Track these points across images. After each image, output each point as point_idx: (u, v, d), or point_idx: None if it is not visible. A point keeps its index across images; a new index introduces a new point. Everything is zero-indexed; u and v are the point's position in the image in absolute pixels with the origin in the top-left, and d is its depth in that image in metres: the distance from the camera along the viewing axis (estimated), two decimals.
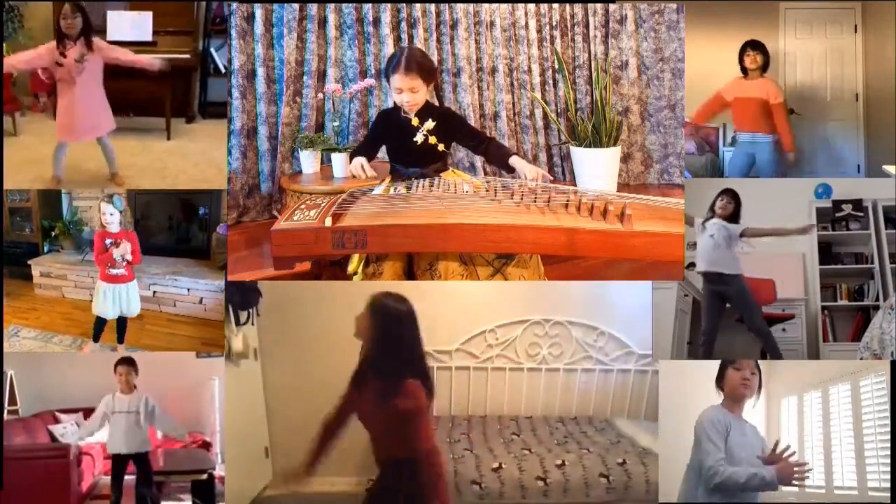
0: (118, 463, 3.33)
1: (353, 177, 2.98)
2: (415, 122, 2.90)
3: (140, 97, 4.39)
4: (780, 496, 3.52)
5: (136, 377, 3.34)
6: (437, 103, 3.05)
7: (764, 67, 4.34)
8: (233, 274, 3.66)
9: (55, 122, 3.82)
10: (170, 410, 4.20)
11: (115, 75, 4.05)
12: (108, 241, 3.56)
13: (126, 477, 3.42)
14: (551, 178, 2.89)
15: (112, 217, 3.56)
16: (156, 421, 3.35)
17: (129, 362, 3.34)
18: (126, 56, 3.75)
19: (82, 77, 3.67)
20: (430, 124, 2.89)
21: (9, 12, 4.47)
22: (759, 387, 2.71)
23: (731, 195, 3.95)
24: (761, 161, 4.40)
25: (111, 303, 3.59)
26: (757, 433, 2.71)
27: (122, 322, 3.68)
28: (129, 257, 3.57)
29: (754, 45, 4.33)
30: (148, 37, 4.46)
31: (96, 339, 3.69)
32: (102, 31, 4.53)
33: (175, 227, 5.02)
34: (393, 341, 2.27)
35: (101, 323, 3.66)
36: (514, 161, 2.90)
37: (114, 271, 3.57)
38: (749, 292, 3.99)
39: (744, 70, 4.35)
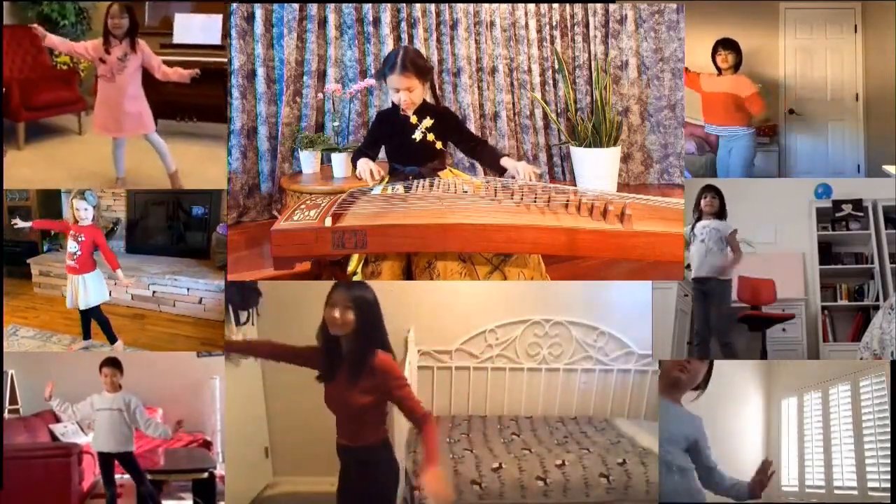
0: (104, 461, 3.34)
1: (360, 179, 2.97)
2: (413, 120, 2.93)
3: (204, 102, 4.37)
4: (781, 496, 3.53)
5: (122, 377, 3.35)
6: (434, 103, 3.08)
7: (736, 66, 4.37)
8: (233, 274, 3.66)
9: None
10: (170, 410, 4.22)
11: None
12: (71, 233, 3.62)
13: (126, 477, 3.42)
14: (538, 171, 2.92)
15: (86, 212, 3.62)
16: (139, 422, 3.34)
17: (114, 363, 3.35)
18: (160, 69, 3.80)
19: (122, 75, 3.73)
20: (428, 122, 2.93)
21: (78, 15, 4.54)
22: (707, 381, 2.41)
23: (714, 191, 3.98)
24: (737, 154, 4.44)
25: (69, 293, 3.65)
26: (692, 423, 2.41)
27: (100, 322, 3.69)
28: (79, 252, 3.60)
29: (726, 44, 4.36)
30: (217, 40, 4.42)
31: (84, 335, 3.72)
32: (168, 33, 4.55)
33: (174, 226, 5.02)
34: (371, 325, 2.29)
35: (83, 318, 3.69)
36: (505, 161, 2.93)
37: (69, 262, 3.64)
38: (730, 300, 4.03)
39: (717, 69, 4.40)
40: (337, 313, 2.25)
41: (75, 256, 3.62)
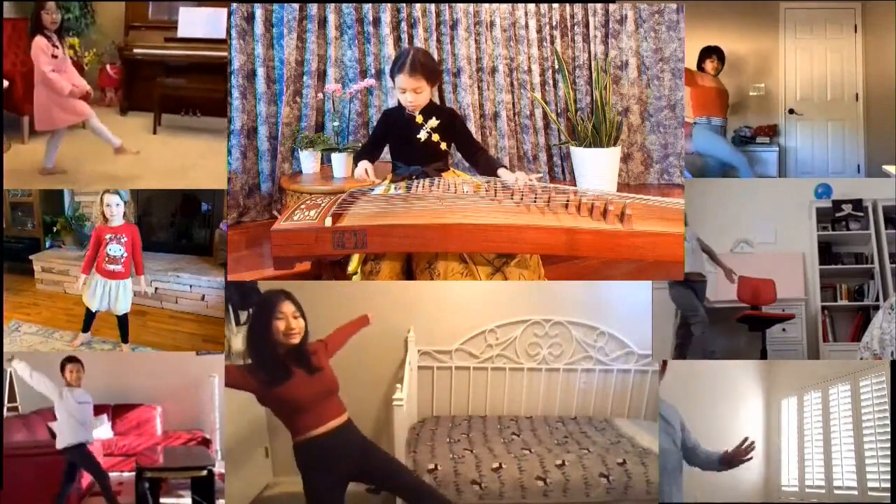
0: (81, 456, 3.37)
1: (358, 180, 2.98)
2: (419, 119, 2.93)
3: (208, 97, 4.34)
4: (781, 496, 3.54)
5: (84, 373, 3.41)
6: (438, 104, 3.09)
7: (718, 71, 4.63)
8: (233, 274, 3.66)
9: (44, 113, 3.92)
10: (170, 407, 4.22)
11: (182, 73, 4.10)
12: (107, 237, 3.53)
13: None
14: (538, 175, 2.92)
15: (118, 208, 3.54)
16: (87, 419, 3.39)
17: (76, 360, 3.41)
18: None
19: (67, 64, 3.83)
20: (433, 122, 2.93)
21: (82, 8, 4.54)
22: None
23: None
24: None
25: (99, 297, 3.58)
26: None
27: (122, 320, 3.66)
28: (125, 253, 3.53)
29: (719, 54, 4.60)
30: (221, 34, 4.37)
31: (84, 329, 3.69)
32: (173, 27, 4.53)
33: (177, 223, 5.01)
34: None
35: (89, 314, 3.65)
36: (502, 172, 2.89)
37: (111, 267, 3.55)
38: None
39: (701, 69, 4.53)
40: (293, 324, 2.48)
41: (121, 259, 3.52)
